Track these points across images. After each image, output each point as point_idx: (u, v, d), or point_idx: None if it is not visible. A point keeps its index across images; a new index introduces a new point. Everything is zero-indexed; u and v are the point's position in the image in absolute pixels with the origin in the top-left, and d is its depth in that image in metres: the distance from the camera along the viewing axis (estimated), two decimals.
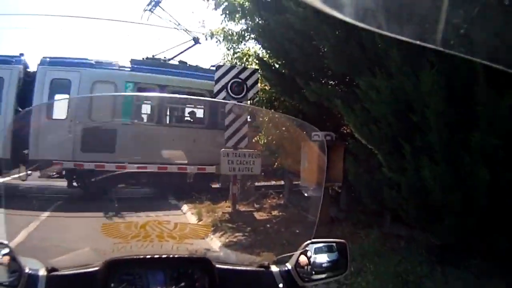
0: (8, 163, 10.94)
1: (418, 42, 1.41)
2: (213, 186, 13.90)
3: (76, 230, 7.51)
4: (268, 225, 8.93)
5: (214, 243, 7.61)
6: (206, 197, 10.58)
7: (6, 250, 1.86)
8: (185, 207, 10.45)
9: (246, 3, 11.60)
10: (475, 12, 1.32)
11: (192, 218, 9.58)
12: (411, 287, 5.71)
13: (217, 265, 2.08)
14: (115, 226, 2.20)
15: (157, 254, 2.06)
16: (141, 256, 2.06)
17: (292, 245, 6.04)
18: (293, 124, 8.26)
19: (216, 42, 13.83)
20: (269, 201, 11.83)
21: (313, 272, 2.13)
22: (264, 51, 12.67)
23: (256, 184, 11.94)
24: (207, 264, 2.06)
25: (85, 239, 6.81)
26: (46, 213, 8.75)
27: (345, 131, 9.80)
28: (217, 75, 11.34)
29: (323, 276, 2.18)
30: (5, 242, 1.92)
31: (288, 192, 11.77)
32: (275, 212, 10.25)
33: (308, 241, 2.16)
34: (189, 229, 2.32)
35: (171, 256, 2.10)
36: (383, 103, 6.40)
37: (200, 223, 8.92)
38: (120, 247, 2.12)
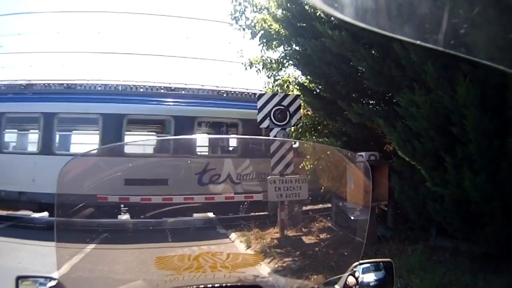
0: None
1: (418, 42, 1.46)
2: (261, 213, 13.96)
3: (125, 262, 7.73)
4: (317, 248, 8.85)
5: (264, 270, 7.59)
6: (254, 224, 10.62)
7: (53, 283, 1.92)
8: (233, 235, 10.52)
9: (282, 30, 11.71)
10: (475, 13, 1.36)
11: (240, 246, 9.61)
12: None
13: None
14: (169, 259, 2.21)
15: (210, 284, 2.06)
16: (195, 286, 2.06)
17: (340, 267, 6.02)
18: (336, 151, 8.30)
19: (256, 70, 13.93)
20: (317, 224, 11.77)
21: None
22: (303, 76, 12.71)
23: (304, 208, 11.90)
24: None
25: (136, 271, 6.97)
26: (93, 245, 9.06)
27: (388, 150, 9.70)
28: (259, 103, 11.42)
29: None
30: (53, 276, 1.98)
31: (335, 215, 11.67)
32: (323, 235, 10.15)
33: (356, 263, 2.19)
34: (241, 259, 2.37)
35: (223, 285, 2.08)
36: (423, 118, 6.38)
37: (251, 252, 8.97)
38: (172, 279, 2.13)
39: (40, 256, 8.62)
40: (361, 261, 2.20)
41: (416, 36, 1.40)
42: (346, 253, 7.72)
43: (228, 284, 2.10)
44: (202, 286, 2.04)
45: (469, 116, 5.51)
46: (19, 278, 1.95)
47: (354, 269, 2.16)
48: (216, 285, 2.04)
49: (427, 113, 6.31)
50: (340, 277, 2.18)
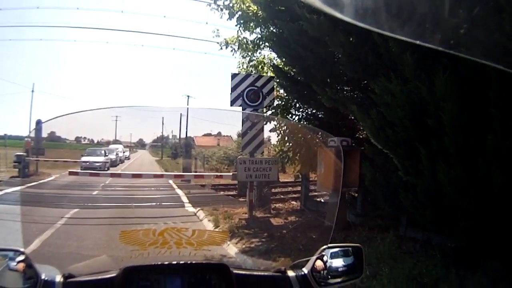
0: None
1: (418, 42, 1.46)
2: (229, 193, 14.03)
3: (94, 238, 7.65)
4: (284, 231, 8.97)
5: (231, 249, 7.65)
6: (223, 204, 10.64)
7: (22, 257, 1.89)
8: (201, 214, 10.52)
9: (260, 12, 11.65)
10: (475, 12, 1.37)
11: (209, 225, 9.63)
12: None
13: (234, 271, 2.09)
14: (133, 234, 2.20)
15: (175, 261, 2.07)
16: (159, 263, 2.05)
17: (308, 250, 6.08)
18: (309, 131, 8.30)
19: (231, 50, 13.88)
20: (285, 207, 11.88)
21: (329, 277, 2.15)
22: (279, 59, 12.72)
23: (273, 190, 11.98)
24: (224, 270, 2.06)
25: (105, 247, 6.94)
26: (62, 221, 8.93)
27: (361, 136, 9.80)
28: (233, 83, 11.41)
29: (339, 280, 2.18)
30: (21, 249, 1.94)
31: (305, 198, 11.79)
32: (291, 218, 10.27)
33: (325, 246, 2.17)
34: (207, 236, 2.32)
35: (189, 262, 2.09)
36: (398, 107, 6.41)
37: (217, 229, 9.00)
38: (137, 254, 2.12)
39: (13, 232, 8.48)
40: (330, 245, 2.19)
41: (416, 36, 1.40)
42: (314, 237, 7.87)
43: (194, 262, 2.11)
44: (167, 262, 2.04)
45: (446, 109, 5.51)
46: None
47: (323, 253, 2.15)
48: (181, 263, 2.06)
49: (402, 103, 6.31)
50: (308, 260, 2.16)
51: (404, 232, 7.83)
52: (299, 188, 12.97)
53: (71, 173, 12.11)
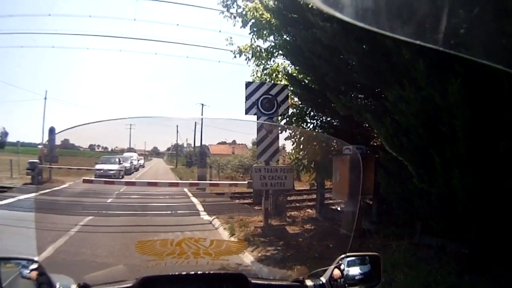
0: None
1: (418, 42, 1.48)
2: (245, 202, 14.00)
3: (108, 246, 7.62)
4: (300, 239, 8.93)
5: (247, 258, 7.63)
6: (238, 212, 10.64)
7: (35, 266, 1.87)
8: (216, 222, 10.56)
9: (273, 20, 11.69)
10: (475, 12, 1.38)
11: (224, 233, 9.64)
12: None
13: (252, 281, 2.06)
14: (150, 244, 2.18)
15: (192, 271, 2.04)
16: (177, 273, 2.02)
17: (324, 258, 6.06)
18: (324, 139, 8.28)
19: (246, 59, 13.91)
20: (301, 215, 11.85)
21: (346, 285, 2.13)
22: (293, 66, 12.73)
23: (288, 198, 11.96)
24: (242, 280, 2.03)
25: (118, 255, 6.95)
26: (76, 228, 8.97)
27: (375, 144, 9.77)
28: (247, 91, 11.39)
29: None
30: (34, 258, 1.92)
31: (320, 206, 11.76)
32: (307, 226, 10.24)
33: (343, 255, 2.16)
34: (225, 246, 2.31)
35: (207, 272, 2.06)
36: (412, 114, 6.40)
37: (235, 239, 9.00)
38: (154, 264, 2.11)
39: (26, 239, 8.45)
40: (348, 254, 2.18)
41: (416, 36, 1.42)
42: (331, 245, 7.83)
43: (212, 272, 2.09)
44: (185, 273, 2.02)
45: (459, 115, 5.52)
46: (0, 260, 1.89)
47: (340, 262, 2.14)
48: (199, 273, 2.03)
49: (416, 110, 6.31)
50: (326, 269, 2.15)
51: (419, 239, 7.76)
52: (314, 196, 12.94)
53: (85, 181, 12.18)
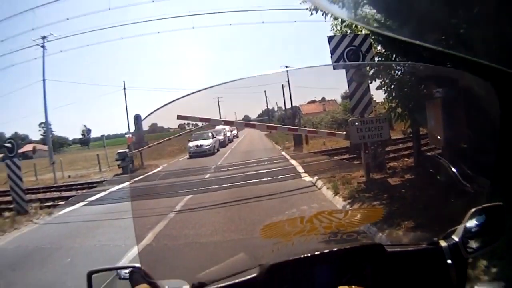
0: None
1: (418, 42, 1.61)
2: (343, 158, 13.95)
3: (212, 223, 7.82)
4: (403, 190, 8.89)
5: None
6: (339, 169, 10.70)
7: (140, 274, 1.78)
8: (319, 183, 10.81)
9: None
10: (475, 12, 1.49)
11: (328, 193, 9.89)
12: None
13: (388, 249, 1.90)
14: (277, 226, 1.95)
15: (326, 249, 1.81)
16: (309, 254, 1.77)
17: (429, 210, 5.84)
18: (418, 78, 7.93)
19: (322, 14, 13.65)
20: (399, 165, 11.70)
21: (469, 241, 1.95)
22: (378, 14, 12.39)
23: (386, 149, 11.82)
24: (380, 250, 1.86)
25: (224, 230, 6.99)
26: (176, 209, 9.34)
27: None
28: (331, 46, 11.32)
29: (482, 244, 1.96)
30: (137, 265, 1.83)
31: (417, 155, 11.55)
32: (407, 176, 10.09)
33: (473, 210, 1.96)
34: (360, 215, 2.09)
35: (342, 248, 1.84)
36: None
37: (339, 198, 9.23)
38: (280, 247, 1.90)
39: (120, 231, 8.78)
40: (476, 208, 1.95)
41: (416, 36, 1.55)
42: (435, 195, 7.66)
43: (348, 247, 1.87)
44: (317, 253, 1.79)
45: None
46: (92, 274, 1.78)
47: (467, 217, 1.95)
48: (334, 250, 1.81)
49: None
50: (455, 228, 1.96)
51: None
52: (409, 144, 12.72)
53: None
